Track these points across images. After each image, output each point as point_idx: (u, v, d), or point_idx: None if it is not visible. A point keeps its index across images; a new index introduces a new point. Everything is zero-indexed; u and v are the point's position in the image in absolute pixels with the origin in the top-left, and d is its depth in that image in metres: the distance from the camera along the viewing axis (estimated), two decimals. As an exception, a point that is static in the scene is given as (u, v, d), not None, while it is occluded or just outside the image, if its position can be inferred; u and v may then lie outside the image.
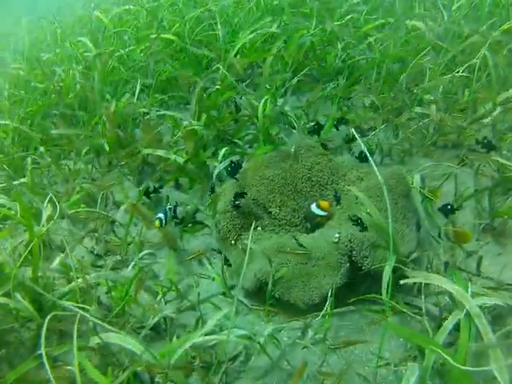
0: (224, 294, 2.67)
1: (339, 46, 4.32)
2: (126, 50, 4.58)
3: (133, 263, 2.64)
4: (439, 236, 2.81)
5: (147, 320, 2.42)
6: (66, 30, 5.73)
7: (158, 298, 2.56)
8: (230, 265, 2.71)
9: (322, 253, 2.50)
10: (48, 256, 3.06)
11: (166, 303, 2.64)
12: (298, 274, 2.46)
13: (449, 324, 1.93)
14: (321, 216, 2.90)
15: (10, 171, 3.91)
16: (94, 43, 4.78)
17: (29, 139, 4.18)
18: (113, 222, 3.37)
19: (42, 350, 1.75)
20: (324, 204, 2.90)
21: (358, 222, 2.54)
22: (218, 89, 3.80)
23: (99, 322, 1.98)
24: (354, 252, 2.43)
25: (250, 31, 4.30)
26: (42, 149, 3.90)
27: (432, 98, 3.80)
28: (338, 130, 3.57)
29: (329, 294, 2.35)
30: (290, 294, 2.41)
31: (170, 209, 2.95)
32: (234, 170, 2.98)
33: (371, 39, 4.50)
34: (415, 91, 3.88)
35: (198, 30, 4.47)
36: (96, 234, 3.23)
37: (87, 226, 3.35)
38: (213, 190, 3.14)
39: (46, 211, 2.74)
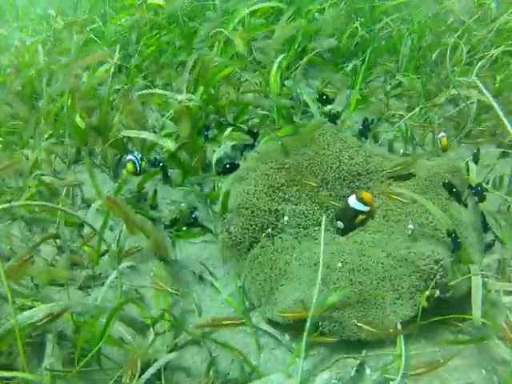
0: (238, 321, 1.92)
1: (357, 24, 3.70)
2: (102, 22, 3.81)
3: (109, 281, 1.82)
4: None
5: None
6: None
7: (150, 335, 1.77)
8: None
9: (385, 269, 1.79)
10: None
11: (155, 336, 1.86)
12: (354, 300, 1.72)
13: None
14: (362, 212, 2.19)
15: None
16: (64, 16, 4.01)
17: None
18: (81, 225, 2.57)
19: None
20: (367, 196, 2.18)
21: (452, 236, 1.82)
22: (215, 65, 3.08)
23: None
24: (436, 277, 1.73)
25: (252, 3, 3.62)
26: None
27: (470, 79, 3.24)
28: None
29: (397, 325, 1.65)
30: (343, 329, 1.67)
31: (140, 157, 2.37)
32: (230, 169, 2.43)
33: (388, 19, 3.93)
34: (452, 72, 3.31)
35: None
36: (58, 242, 2.42)
37: (47, 230, 2.54)
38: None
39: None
